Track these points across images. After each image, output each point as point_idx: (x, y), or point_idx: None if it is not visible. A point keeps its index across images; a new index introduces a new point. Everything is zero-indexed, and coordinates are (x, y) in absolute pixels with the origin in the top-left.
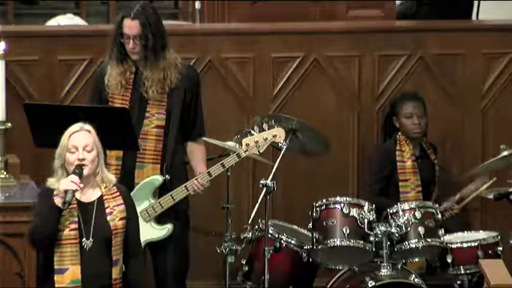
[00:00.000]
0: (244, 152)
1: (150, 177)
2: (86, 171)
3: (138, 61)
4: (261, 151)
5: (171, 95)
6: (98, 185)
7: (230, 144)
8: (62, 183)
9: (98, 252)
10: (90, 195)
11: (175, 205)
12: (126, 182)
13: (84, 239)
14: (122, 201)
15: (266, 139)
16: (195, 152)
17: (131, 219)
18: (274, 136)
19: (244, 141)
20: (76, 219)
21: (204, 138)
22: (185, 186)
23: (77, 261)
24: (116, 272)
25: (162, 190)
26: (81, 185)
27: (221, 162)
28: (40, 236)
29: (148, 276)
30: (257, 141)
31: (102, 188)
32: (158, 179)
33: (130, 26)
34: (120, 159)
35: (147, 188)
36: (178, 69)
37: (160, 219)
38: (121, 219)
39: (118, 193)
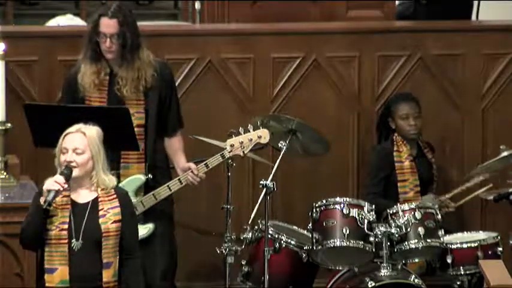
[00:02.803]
0: (229, 152)
1: (133, 176)
2: (74, 173)
3: (112, 61)
4: (245, 152)
5: (148, 94)
6: (95, 188)
7: (219, 142)
8: (46, 183)
9: (87, 254)
10: (85, 196)
11: (158, 203)
12: None
13: (73, 239)
14: (118, 204)
15: (251, 140)
16: (172, 145)
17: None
18: (259, 137)
19: (229, 142)
20: (67, 219)
21: (194, 136)
22: (168, 186)
23: (66, 261)
24: (107, 275)
25: (146, 189)
26: (66, 186)
27: (205, 163)
28: (26, 235)
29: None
30: (242, 142)
31: (98, 191)
32: (140, 178)
33: (109, 25)
34: None
35: (129, 187)
36: (154, 68)
37: (143, 218)
38: (114, 222)
39: (115, 196)
